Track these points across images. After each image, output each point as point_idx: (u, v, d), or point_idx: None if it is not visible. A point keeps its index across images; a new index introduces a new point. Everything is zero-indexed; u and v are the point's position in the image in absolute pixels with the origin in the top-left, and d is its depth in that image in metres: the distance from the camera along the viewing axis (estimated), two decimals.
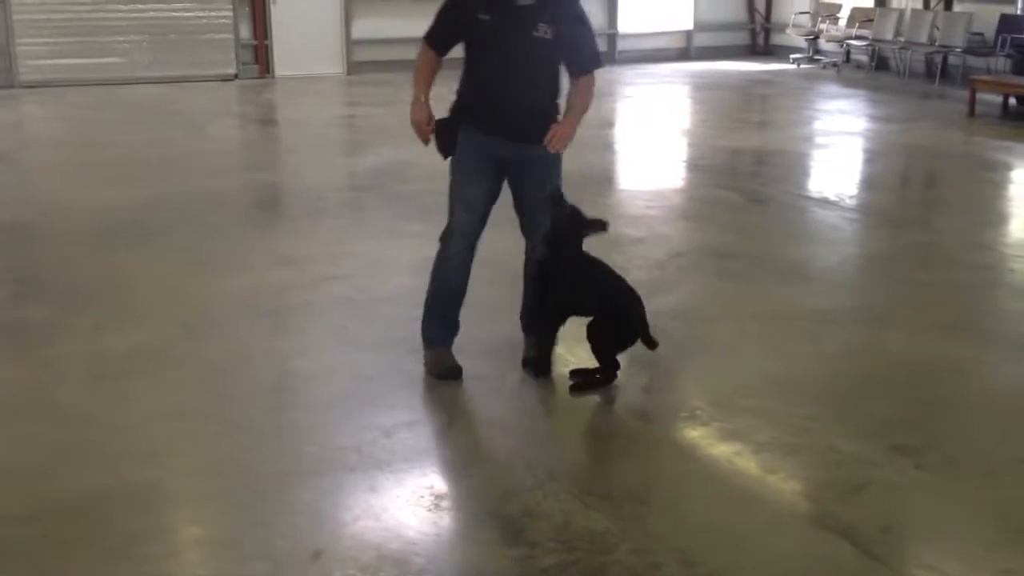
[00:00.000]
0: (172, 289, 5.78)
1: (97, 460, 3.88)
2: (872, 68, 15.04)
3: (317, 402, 4.42)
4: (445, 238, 4.55)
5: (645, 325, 4.46)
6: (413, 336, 4.70)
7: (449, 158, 4.53)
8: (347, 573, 3.19)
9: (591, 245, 4.52)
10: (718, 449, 4.02)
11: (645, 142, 10.61)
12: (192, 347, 4.97)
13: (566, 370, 4.55)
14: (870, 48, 14.96)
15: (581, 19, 4.48)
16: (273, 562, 3.26)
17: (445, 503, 3.65)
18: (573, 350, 4.57)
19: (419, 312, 4.67)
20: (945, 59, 13.96)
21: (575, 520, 3.47)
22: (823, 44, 16.06)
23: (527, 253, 4.65)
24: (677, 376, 4.70)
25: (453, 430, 4.28)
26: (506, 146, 4.43)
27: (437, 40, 4.50)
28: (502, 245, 4.79)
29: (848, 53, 15.74)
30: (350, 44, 14.81)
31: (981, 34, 13.46)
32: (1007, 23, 13.16)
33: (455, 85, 4.52)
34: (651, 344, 4.46)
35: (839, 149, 10.22)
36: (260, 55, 14.46)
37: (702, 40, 16.95)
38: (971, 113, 11.63)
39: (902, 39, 14.40)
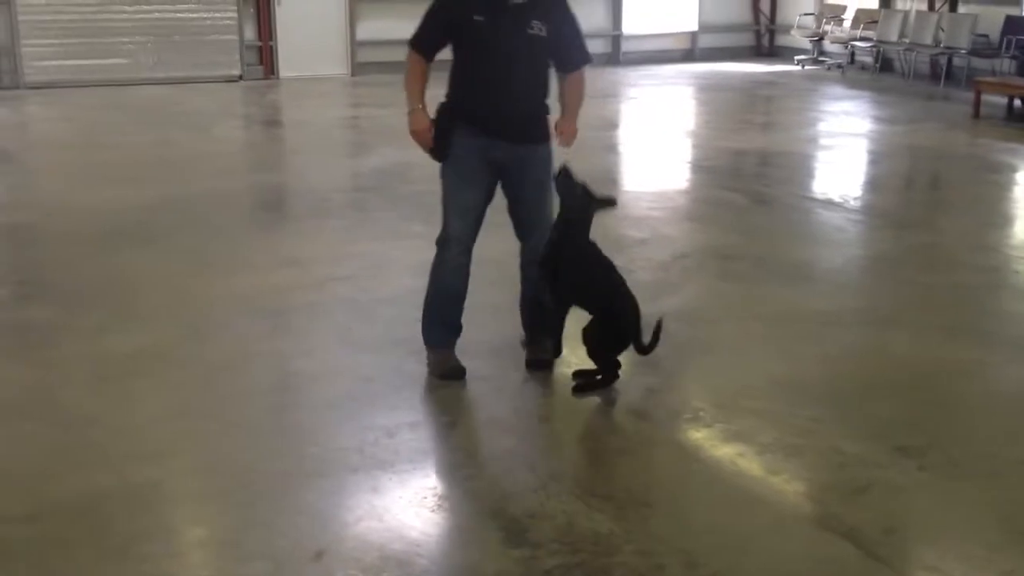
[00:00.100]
0: (176, 290, 5.78)
1: (100, 460, 3.88)
2: (877, 70, 15.03)
3: (320, 403, 4.42)
4: (441, 243, 4.53)
5: (638, 331, 4.44)
6: (416, 337, 4.70)
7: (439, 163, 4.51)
8: (349, 574, 3.19)
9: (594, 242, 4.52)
10: (721, 450, 4.01)
11: (649, 143, 10.60)
12: (196, 348, 4.97)
13: (569, 371, 4.55)
14: (875, 49, 14.94)
15: (570, 15, 4.50)
16: (275, 562, 3.26)
17: (448, 504, 3.65)
18: (576, 351, 4.56)
19: (421, 313, 4.67)
20: (950, 61, 13.94)
21: (578, 521, 3.46)
22: (828, 46, 16.04)
23: (523, 255, 4.64)
24: (680, 377, 4.69)
25: (456, 431, 4.28)
26: (506, 148, 4.42)
27: (425, 45, 4.45)
28: (503, 245, 4.79)
29: (853, 54, 15.72)
30: (355, 45, 14.82)
31: (986, 36, 13.44)
32: (1012, 25, 13.14)
33: (441, 88, 4.49)
34: (642, 350, 4.45)
35: (843, 151, 10.21)
36: (265, 56, 14.47)
37: (706, 41, 16.94)
38: (976, 115, 11.62)
39: (907, 40, 14.38)
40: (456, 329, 4.63)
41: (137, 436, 4.09)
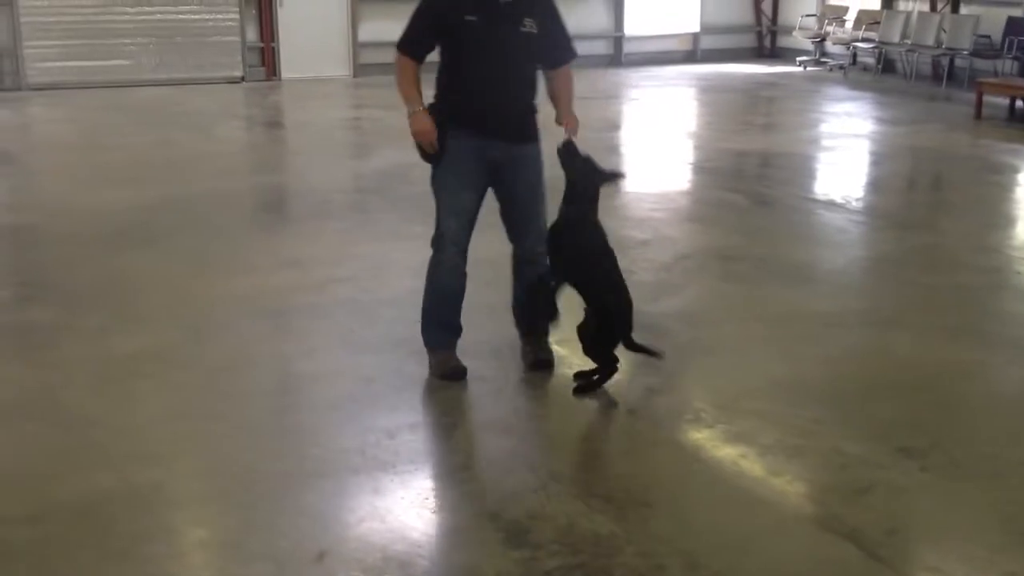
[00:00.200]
0: (178, 291, 5.78)
1: (102, 462, 3.88)
2: (879, 71, 15.01)
3: (321, 404, 4.42)
4: (436, 244, 4.52)
5: (629, 328, 4.43)
6: (416, 338, 4.69)
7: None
8: (351, 575, 3.19)
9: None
10: (723, 451, 4.01)
11: (651, 144, 10.60)
12: (197, 349, 4.98)
13: (569, 371, 4.55)
14: (877, 51, 14.93)
15: (555, 11, 4.52)
16: (276, 563, 3.26)
17: (449, 505, 3.65)
18: (576, 351, 4.56)
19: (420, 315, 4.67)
20: (952, 62, 13.94)
21: (579, 522, 3.46)
22: (830, 47, 16.04)
23: (516, 257, 4.62)
24: (681, 378, 4.69)
25: (456, 432, 4.28)
26: (503, 147, 4.42)
27: (415, 47, 4.45)
28: (498, 246, 4.77)
29: (855, 56, 15.72)
30: (357, 47, 14.81)
31: (988, 36, 13.43)
32: (1014, 25, 13.13)
33: (428, 90, 4.46)
34: (630, 344, 4.42)
35: (845, 152, 10.20)
36: (267, 57, 14.47)
37: (708, 43, 16.94)
38: (978, 116, 11.61)
39: (909, 42, 14.37)
40: (456, 330, 4.62)
41: (139, 437, 4.10)
